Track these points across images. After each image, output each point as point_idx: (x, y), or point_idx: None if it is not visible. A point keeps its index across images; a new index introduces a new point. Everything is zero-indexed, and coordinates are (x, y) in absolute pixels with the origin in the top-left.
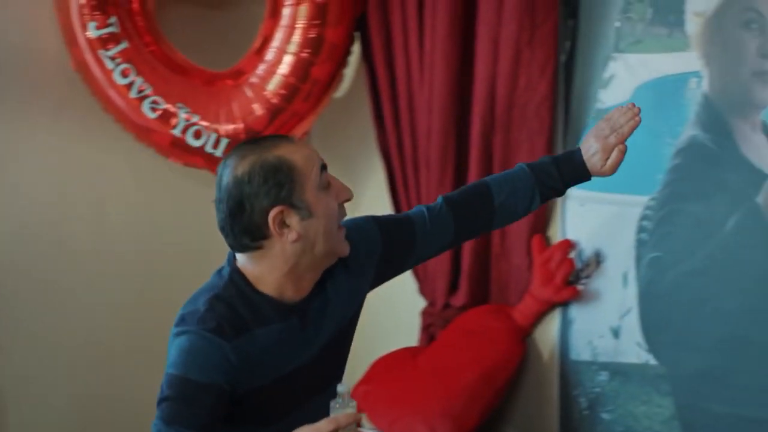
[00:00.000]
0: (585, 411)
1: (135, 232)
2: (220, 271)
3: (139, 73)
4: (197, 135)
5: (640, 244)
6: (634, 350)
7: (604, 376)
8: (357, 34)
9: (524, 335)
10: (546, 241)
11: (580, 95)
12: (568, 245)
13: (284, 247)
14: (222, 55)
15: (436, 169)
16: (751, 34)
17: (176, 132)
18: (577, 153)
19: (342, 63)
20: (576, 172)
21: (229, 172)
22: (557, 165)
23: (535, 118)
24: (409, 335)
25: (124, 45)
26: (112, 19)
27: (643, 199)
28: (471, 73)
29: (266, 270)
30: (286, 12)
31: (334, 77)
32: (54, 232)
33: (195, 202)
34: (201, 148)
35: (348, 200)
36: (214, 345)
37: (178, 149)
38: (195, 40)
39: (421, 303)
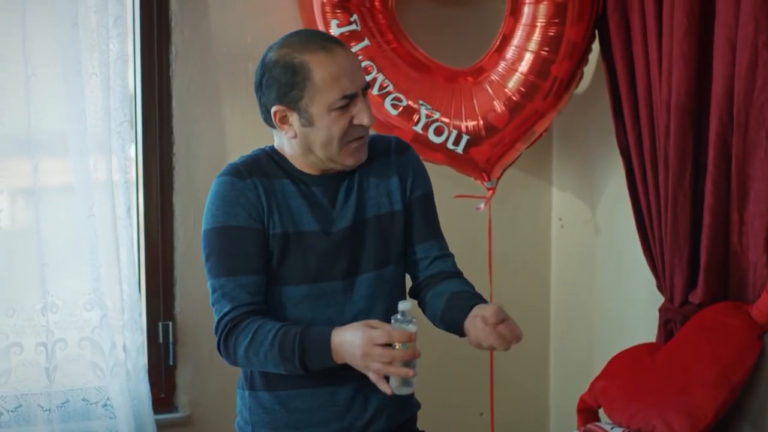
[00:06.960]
0: None
1: None
2: None
3: (380, 70)
4: (438, 131)
5: None
6: None
7: None
8: (596, 33)
9: (761, 332)
10: None
11: None
12: None
13: (288, 138)
14: (460, 52)
15: (674, 167)
16: None
17: (418, 128)
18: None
19: (581, 61)
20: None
21: (269, 51)
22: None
23: None
24: (646, 331)
25: (365, 43)
26: (354, 17)
27: None
28: (708, 74)
29: (284, 145)
30: (526, 10)
31: (574, 75)
32: None
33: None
34: (442, 144)
35: (364, 126)
36: (229, 184)
37: (419, 145)
38: (434, 37)
39: (659, 299)
